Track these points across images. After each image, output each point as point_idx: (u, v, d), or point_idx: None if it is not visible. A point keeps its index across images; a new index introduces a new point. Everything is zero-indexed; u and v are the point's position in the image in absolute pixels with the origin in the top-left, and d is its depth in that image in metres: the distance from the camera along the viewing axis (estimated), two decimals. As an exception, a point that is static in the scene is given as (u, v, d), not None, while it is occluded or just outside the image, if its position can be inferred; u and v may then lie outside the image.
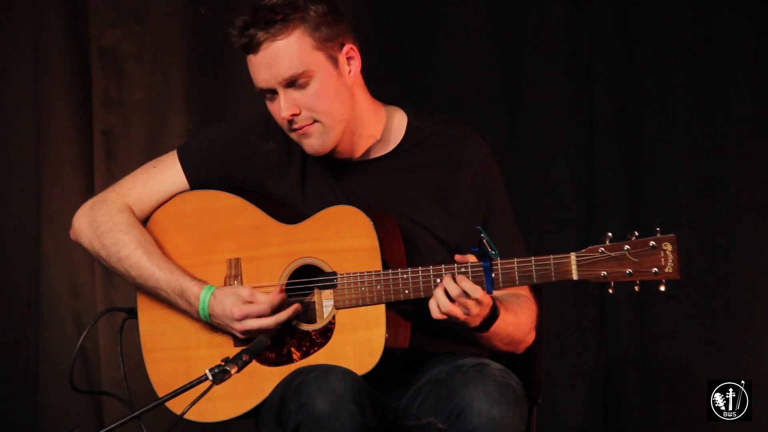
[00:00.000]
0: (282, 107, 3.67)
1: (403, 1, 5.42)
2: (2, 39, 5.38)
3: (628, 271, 3.42)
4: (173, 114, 5.41)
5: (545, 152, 5.37)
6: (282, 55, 3.63)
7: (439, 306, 3.52)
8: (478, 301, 3.50)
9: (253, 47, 3.65)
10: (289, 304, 3.67)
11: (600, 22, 5.31)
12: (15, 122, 5.39)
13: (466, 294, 3.49)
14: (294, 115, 3.67)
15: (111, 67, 5.39)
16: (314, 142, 3.70)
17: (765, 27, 5.20)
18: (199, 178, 3.83)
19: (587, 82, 5.34)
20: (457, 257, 3.55)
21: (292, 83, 3.66)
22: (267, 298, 3.65)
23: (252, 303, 3.66)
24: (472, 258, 3.53)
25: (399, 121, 3.80)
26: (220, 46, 5.42)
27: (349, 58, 3.70)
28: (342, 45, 3.68)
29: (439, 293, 3.52)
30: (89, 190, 5.36)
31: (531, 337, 3.75)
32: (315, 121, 3.68)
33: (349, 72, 3.70)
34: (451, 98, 5.38)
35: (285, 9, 3.63)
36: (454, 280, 3.51)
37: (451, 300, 3.50)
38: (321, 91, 3.66)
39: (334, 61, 3.67)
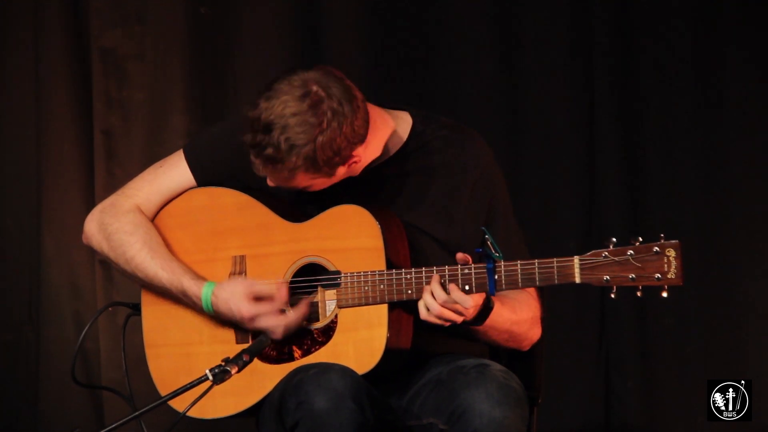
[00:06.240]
0: (270, 183, 3.66)
1: (406, 4, 5.42)
2: (3, 39, 5.39)
3: (631, 276, 3.40)
4: (174, 114, 5.41)
5: (546, 154, 5.37)
6: (283, 179, 3.59)
7: (428, 308, 3.51)
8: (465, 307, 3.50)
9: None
10: (293, 303, 3.68)
11: (600, 23, 5.32)
12: (15, 122, 5.40)
13: (453, 301, 3.49)
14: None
15: (112, 67, 5.39)
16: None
17: (765, 27, 5.21)
18: (204, 174, 3.81)
19: (588, 84, 5.35)
20: (458, 256, 3.54)
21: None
22: (272, 293, 3.64)
23: (260, 302, 3.65)
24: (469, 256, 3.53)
25: (403, 126, 3.76)
26: (220, 46, 5.43)
27: (352, 163, 3.62)
28: (346, 160, 3.60)
29: (427, 296, 3.51)
30: (90, 190, 5.37)
31: (535, 334, 3.74)
32: None
33: (352, 166, 3.63)
34: (451, 100, 5.38)
35: (283, 154, 3.53)
36: (443, 286, 3.50)
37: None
38: (319, 187, 3.64)
39: (337, 169, 3.60)
